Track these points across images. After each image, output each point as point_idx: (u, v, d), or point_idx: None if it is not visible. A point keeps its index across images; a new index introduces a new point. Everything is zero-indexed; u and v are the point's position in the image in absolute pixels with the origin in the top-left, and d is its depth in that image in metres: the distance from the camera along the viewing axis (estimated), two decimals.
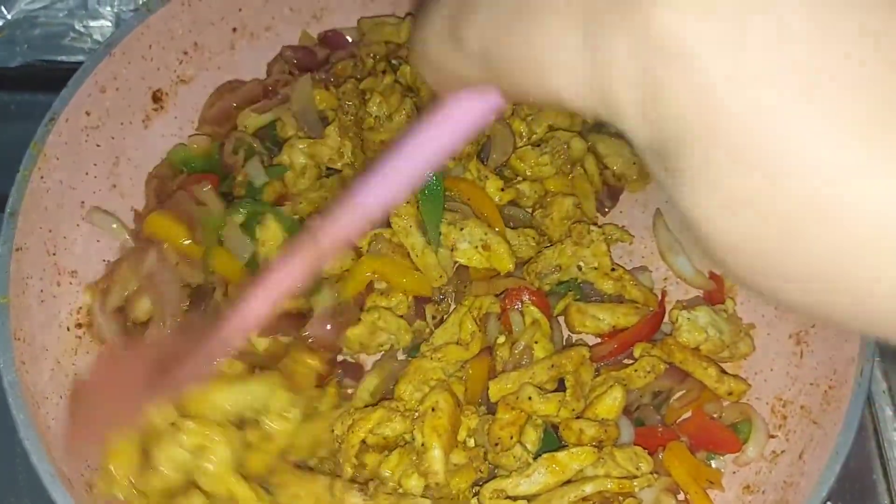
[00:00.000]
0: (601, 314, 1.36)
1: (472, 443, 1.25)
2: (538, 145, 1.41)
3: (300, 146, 1.41)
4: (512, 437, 1.21)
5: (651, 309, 1.41)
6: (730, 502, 1.31)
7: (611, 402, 1.25)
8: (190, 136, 1.57)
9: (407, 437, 1.23)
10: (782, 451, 1.31)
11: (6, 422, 1.42)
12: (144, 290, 1.37)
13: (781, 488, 1.25)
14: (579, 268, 1.40)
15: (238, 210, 1.37)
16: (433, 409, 1.20)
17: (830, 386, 1.29)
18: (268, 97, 1.55)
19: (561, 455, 1.22)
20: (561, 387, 1.28)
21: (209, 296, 1.37)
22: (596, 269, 1.40)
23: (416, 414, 1.22)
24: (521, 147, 1.43)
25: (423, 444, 1.18)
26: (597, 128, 1.50)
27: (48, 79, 1.74)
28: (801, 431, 1.30)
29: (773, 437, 1.34)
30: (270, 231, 1.35)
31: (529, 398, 1.21)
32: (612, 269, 1.41)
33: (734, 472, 1.34)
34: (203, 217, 1.38)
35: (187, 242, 1.38)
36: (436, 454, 1.17)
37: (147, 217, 1.41)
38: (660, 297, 1.43)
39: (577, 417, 1.25)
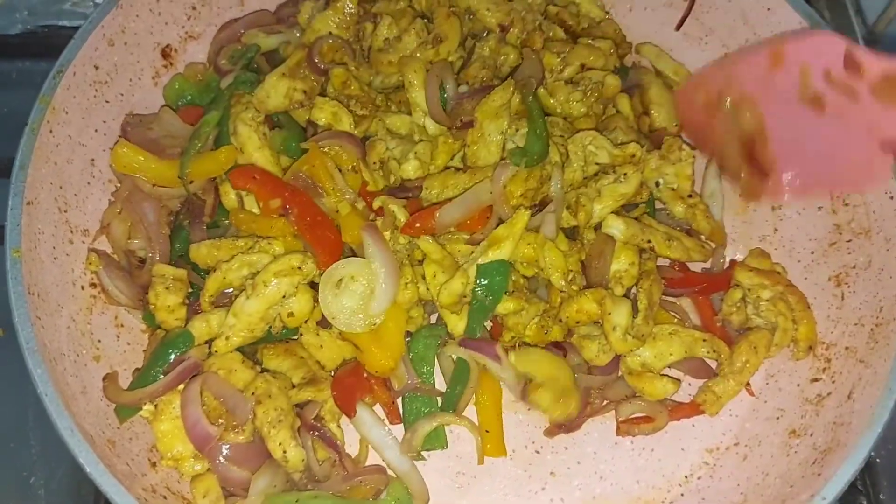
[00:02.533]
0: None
1: None
2: (569, 83, 1.37)
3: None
4: None
5: (715, 246, 1.40)
6: (777, 448, 1.26)
7: None
8: (187, 65, 1.52)
9: None
10: (828, 394, 1.26)
11: (17, 395, 1.40)
12: (124, 217, 1.34)
13: (831, 429, 1.20)
14: (657, 184, 1.37)
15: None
16: None
17: (877, 324, 1.24)
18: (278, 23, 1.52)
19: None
20: None
21: (201, 207, 1.35)
22: (674, 189, 1.36)
23: None
24: (551, 81, 1.39)
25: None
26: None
27: (50, 45, 1.68)
28: (847, 372, 1.25)
29: (816, 380, 1.30)
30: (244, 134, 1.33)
31: None
32: (690, 196, 1.37)
33: (777, 419, 1.30)
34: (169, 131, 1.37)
35: (155, 165, 1.33)
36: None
37: (112, 152, 1.35)
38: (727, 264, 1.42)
39: None
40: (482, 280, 1.23)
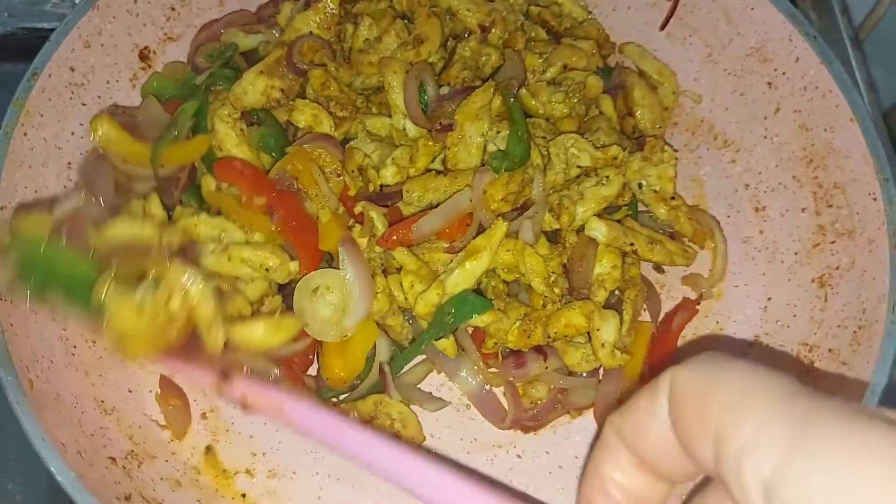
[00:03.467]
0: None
1: None
2: (551, 83, 1.35)
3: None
4: None
5: (697, 249, 1.39)
6: None
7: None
8: (165, 64, 1.50)
9: None
10: None
11: None
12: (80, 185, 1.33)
13: None
14: (640, 186, 1.35)
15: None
16: None
17: (860, 326, 1.23)
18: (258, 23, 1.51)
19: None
20: None
21: (176, 183, 1.34)
22: (656, 192, 1.35)
23: None
24: (533, 82, 1.37)
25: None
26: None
27: (29, 47, 1.67)
28: (830, 376, 1.24)
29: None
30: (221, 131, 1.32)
31: None
32: (672, 198, 1.36)
33: None
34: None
35: (131, 144, 1.32)
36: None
37: (91, 120, 1.34)
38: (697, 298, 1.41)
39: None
40: (450, 308, 1.22)
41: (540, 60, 1.37)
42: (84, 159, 1.34)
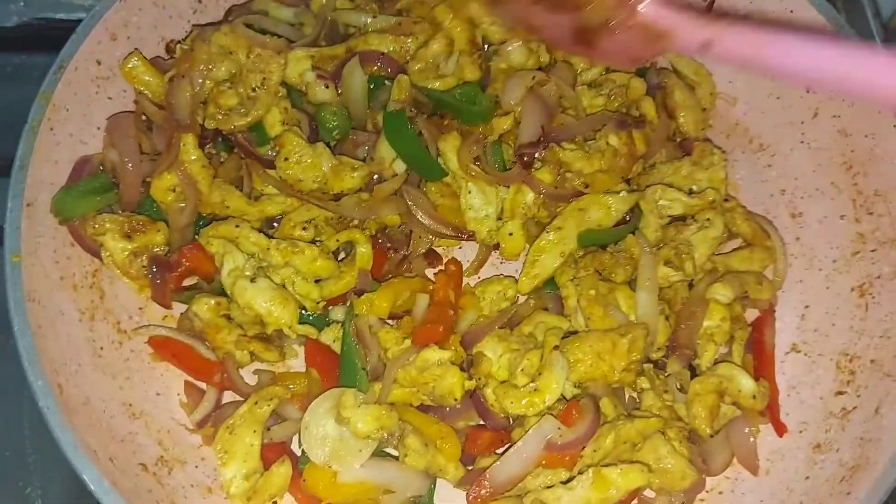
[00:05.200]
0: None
1: None
2: (591, 86, 1.33)
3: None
4: None
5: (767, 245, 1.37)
6: (801, 463, 1.23)
7: None
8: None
9: None
10: (854, 408, 1.23)
11: (13, 402, 1.35)
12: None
13: (859, 445, 1.17)
14: (690, 192, 1.33)
15: None
16: None
17: None
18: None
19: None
20: None
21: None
22: (704, 193, 1.33)
23: None
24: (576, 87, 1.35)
25: None
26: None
27: (47, 38, 1.63)
28: (873, 386, 1.22)
29: (841, 393, 1.26)
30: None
31: None
32: (725, 200, 1.34)
33: (800, 432, 1.27)
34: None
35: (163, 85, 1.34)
36: None
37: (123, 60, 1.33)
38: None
39: None
40: None
41: (582, 62, 1.34)
42: (109, 122, 1.33)
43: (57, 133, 1.25)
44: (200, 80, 1.31)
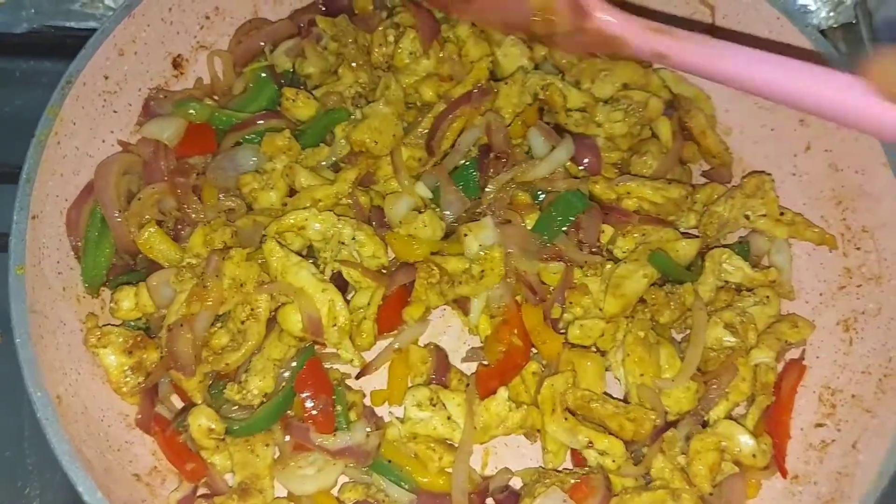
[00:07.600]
0: None
1: None
2: (608, 102, 1.38)
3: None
4: None
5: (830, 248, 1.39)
6: (779, 492, 1.26)
7: None
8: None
9: None
10: (832, 441, 1.26)
11: (13, 402, 1.38)
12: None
13: (835, 479, 1.20)
14: (747, 217, 1.36)
15: None
16: None
17: (885, 374, 1.24)
18: (299, 35, 1.50)
19: None
20: None
21: None
22: (765, 216, 1.37)
23: None
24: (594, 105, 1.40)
25: None
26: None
27: (56, 45, 1.66)
28: (853, 421, 1.25)
29: (820, 425, 1.29)
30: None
31: None
32: (781, 214, 1.37)
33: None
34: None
35: None
36: None
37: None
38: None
39: None
40: None
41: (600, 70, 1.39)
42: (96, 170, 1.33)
43: (63, 146, 1.28)
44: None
